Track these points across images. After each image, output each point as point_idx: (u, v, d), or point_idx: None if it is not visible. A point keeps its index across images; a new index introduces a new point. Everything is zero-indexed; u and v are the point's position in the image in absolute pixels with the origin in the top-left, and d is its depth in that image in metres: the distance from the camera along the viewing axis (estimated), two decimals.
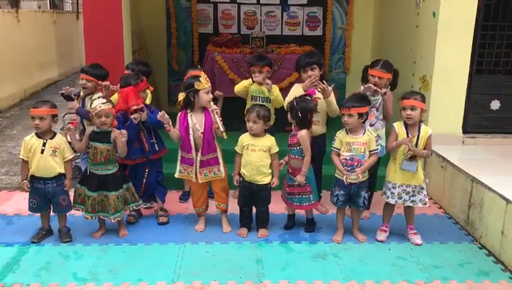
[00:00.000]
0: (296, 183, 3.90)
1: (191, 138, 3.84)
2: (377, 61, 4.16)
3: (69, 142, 3.89)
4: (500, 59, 5.16)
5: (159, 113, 3.80)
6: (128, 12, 5.21)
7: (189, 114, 3.86)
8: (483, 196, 3.98)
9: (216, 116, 3.77)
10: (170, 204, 4.49)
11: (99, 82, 4.30)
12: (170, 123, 3.83)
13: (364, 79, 4.23)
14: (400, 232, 4.07)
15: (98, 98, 3.84)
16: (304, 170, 3.86)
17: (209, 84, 3.86)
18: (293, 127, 3.97)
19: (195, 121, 3.84)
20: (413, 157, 3.78)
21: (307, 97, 3.96)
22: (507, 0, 5.01)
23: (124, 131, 3.80)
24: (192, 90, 3.78)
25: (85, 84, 4.34)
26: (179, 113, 3.94)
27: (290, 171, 3.96)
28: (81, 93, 4.48)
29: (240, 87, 4.64)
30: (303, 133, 3.84)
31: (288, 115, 3.94)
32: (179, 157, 3.99)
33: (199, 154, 3.88)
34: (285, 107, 4.20)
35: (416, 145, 3.78)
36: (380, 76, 4.07)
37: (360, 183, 3.80)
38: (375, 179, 4.23)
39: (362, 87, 4.19)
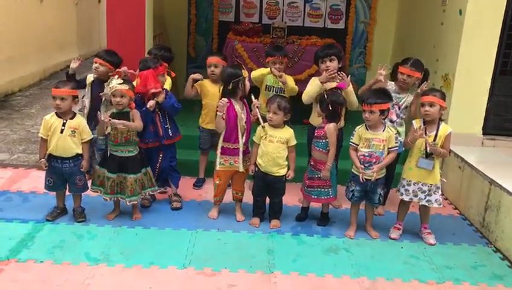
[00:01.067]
0: (317, 176, 3.89)
1: (239, 126, 3.86)
2: (408, 59, 4.11)
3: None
4: None
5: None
6: None
7: (234, 104, 3.86)
8: (500, 199, 3.92)
9: (257, 110, 3.81)
10: (184, 190, 4.50)
11: (113, 68, 4.34)
12: (225, 111, 3.82)
13: (394, 76, 4.18)
14: (414, 231, 4.03)
15: (118, 78, 3.86)
16: (328, 165, 3.83)
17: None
18: (320, 120, 3.94)
19: (240, 111, 3.87)
20: (430, 155, 3.73)
21: (337, 90, 3.93)
22: None
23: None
24: (241, 78, 3.84)
25: (97, 67, 4.38)
26: (225, 105, 3.83)
27: (312, 163, 3.94)
28: (89, 80, 4.50)
29: (257, 73, 4.60)
30: (330, 126, 3.81)
31: (318, 108, 3.92)
32: (219, 150, 3.95)
33: (242, 144, 3.90)
34: (303, 100, 4.19)
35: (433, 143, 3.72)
36: (410, 74, 4.02)
37: (376, 180, 3.76)
38: (392, 176, 4.18)
39: (388, 83, 4.15)
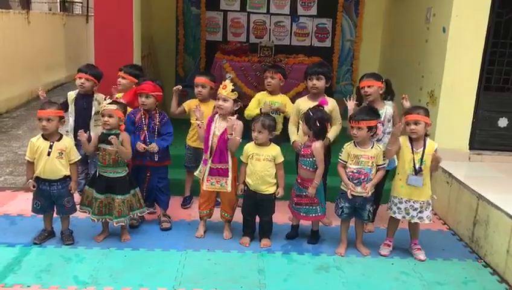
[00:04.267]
0: (304, 194, 3.89)
1: (210, 138, 3.89)
2: (364, 75, 4.20)
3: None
4: (509, 77, 5.15)
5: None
6: (138, 17, 5.23)
7: (216, 117, 3.95)
8: (489, 214, 3.94)
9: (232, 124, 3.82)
10: (173, 210, 4.47)
11: (97, 82, 4.43)
12: (202, 120, 3.93)
13: (360, 98, 4.20)
14: (404, 247, 4.03)
15: (109, 98, 3.87)
16: (315, 182, 3.84)
17: (225, 90, 3.90)
18: (306, 138, 3.97)
19: (217, 125, 3.91)
20: (419, 172, 3.76)
21: (320, 107, 3.97)
22: None
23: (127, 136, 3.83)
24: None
25: (83, 83, 4.39)
26: (210, 115, 4.03)
27: (299, 181, 3.95)
28: (71, 97, 4.48)
29: (249, 112, 4.49)
30: (317, 145, 3.83)
31: (304, 126, 3.93)
32: (203, 157, 4.03)
33: (209, 161, 3.90)
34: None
35: (421, 160, 3.76)
36: (369, 84, 4.06)
37: (365, 197, 3.78)
38: (381, 192, 4.20)
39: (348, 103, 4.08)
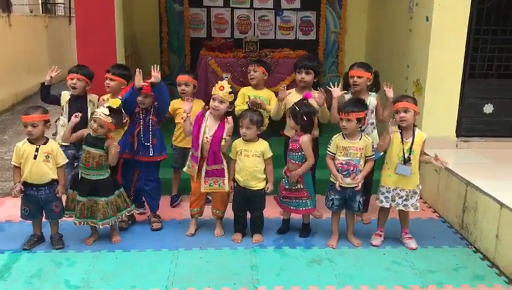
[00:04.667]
0: (294, 188, 3.90)
1: (201, 137, 3.83)
2: (354, 63, 4.19)
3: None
4: (492, 63, 5.19)
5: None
6: (121, 17, 5.18)
7: (206, 114, 3.87)
8: (477, 200, 3.98)
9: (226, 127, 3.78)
10: (163, 209, 4.44)
11: (90, 82, 4.34)
12: (189, 113, 3.86)
13: (346, 85, 4.21)
14: (395, 237, 4.06)
15: (108, 106, 3.75)
16: (300, 171, 3.83)
17: (222, 91, 3.80)
18: (294, 132, 3.96)
19: (208, 124, 3.85)
20: (408, 162, 3.77)
21: (305, 101, 3.96)
22: (499, 5, 5.04)
23: (117, 144, 3.78)
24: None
25: (75, 84, 4.29)
26: (199, 111, 3.95)
27: (288, 174, 3.94)
28: (66, 97, 4.40)
29: (240, 106, 4.42)
30: (305, 139, 3.83)
31: (291, 122, 3.92)
32: (190, 152, 3.99)
33: (204, 163, 3.86)
34: (273, 118, 4.30)
35: (410, 150, 3.77)
36: (359, 75, 4.06)
37: (354, 187, 3.79)
38: (371, 182, 4.20)
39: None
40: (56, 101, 4.41)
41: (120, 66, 4.57)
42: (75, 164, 4.26)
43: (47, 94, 4.35)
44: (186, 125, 3.91)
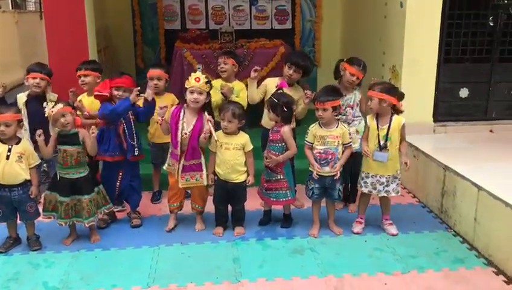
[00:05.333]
0: (274, 179, 3.88)
1: (179, 133, 3.76)
2: (357, 60, 4.14)
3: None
4: (467, 48, 5.22)
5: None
6: (91, 10, 5.05)
7: (182, 110, 3.80)
8: (455, 184, 4.02)
9: (209, 125, 3.67)
10: (143, 206, 4.37)
11: (50, 80, 4.32)
12: (164, 117, 3.78)
13: (337, 73, 4.21)
14: (376, 223, 4.08)
15: (52, 102, 3.68)
16: (280, 157, 3.81)
17: (199, 82, 3.70)
18: (273, 124, 3.92)
19: (185, 120, 3.77)
20: (384, 148, 3.78)
21: (281, 90, 3.93)
22: None
23: (93, 126, 3.69)
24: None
25: (39, 83, 4.24)
26: (173, 107, 3.89)
27: (266, 156, 3.90)
28: (22, 100, 4.33)
29: (216, 98, 4.29)
30: (286, 130, 3.81)
31: (271, 114, 3.87)
32: (170, 150, 3.92)
33: (182, 158, 3.80)
34: (249, 101, 4.28)
35: (387, 136, 3.78)
36: (359, 77, 4.10)
37: (334, 176, 3.78)
38: (357, 173, 4.16)
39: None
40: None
41: (90, 61, 4.51)
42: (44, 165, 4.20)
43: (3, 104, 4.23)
44: (163, 127, 3.84)
